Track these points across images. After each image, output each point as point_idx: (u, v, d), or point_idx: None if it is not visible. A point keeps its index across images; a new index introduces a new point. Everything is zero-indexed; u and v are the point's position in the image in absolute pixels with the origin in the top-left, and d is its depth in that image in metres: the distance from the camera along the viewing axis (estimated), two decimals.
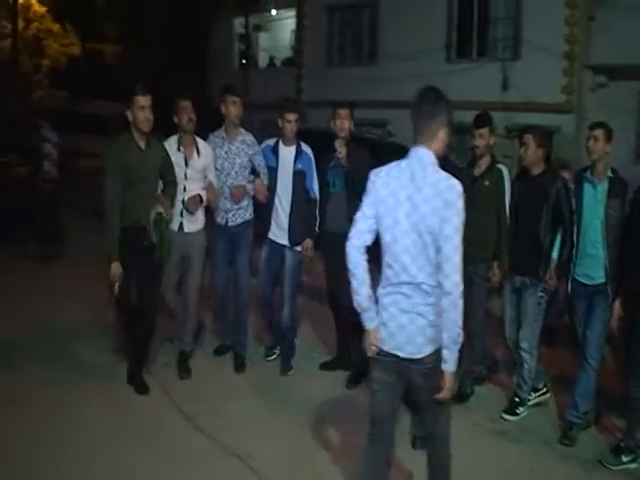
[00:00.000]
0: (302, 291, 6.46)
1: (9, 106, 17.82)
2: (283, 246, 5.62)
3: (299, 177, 5.54)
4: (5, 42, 25.69)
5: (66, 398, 4.94)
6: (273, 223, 5.62)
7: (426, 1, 16.45)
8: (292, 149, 5.57)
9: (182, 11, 21.46)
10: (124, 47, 24.32)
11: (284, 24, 22.32)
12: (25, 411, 4.72)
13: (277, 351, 5.97)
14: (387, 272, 3.10)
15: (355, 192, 5.28)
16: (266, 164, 5.62)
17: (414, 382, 3.13)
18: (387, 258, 3.09)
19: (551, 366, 5.59)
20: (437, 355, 3.03)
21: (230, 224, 5.61)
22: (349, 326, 5.47)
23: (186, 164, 5.34)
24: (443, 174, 3.02)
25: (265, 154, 5.65)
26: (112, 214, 4.76)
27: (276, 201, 5.59)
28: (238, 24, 22.49)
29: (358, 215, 3.18)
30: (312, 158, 5.62)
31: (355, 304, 3.16)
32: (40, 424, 4.55)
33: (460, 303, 2.95)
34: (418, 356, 3.04)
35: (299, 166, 5.55)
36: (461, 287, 2.94)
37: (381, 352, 3.12)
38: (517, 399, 5.07)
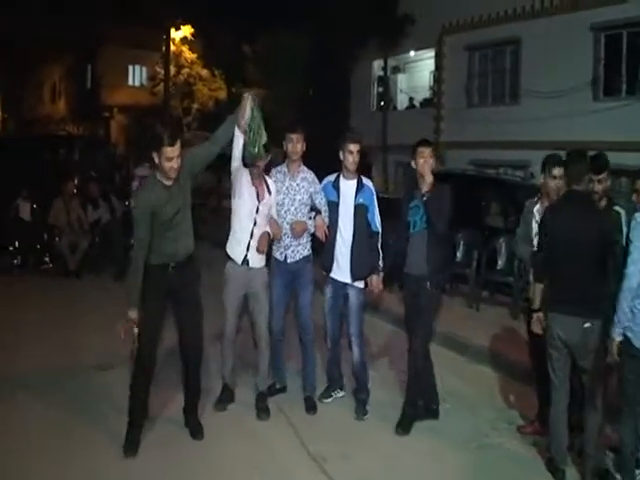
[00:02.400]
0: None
1: None
2: (345, 284, 5.50)
3: (360, 211, 5.46)
4: (158, 87, 27.54)
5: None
6: (335, 261, 5.52)
7: (571, 37, 15.84)
8: (353, 183, 5.51)
9: (323, 55, 22.00)
10: (268, 91, 25.24)
11: (423, 65, 22.34)
12: (163, 440, 4.83)
13: (335, 394, 5.81)
14: None
15: (434, 232, 5.17)
16: (327, 199, 5.55)
17: None
18: None
19: None
20: None
21: (289, 260, 5.54)
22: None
23: (258, 199, 5.29)
24: None
25: (326, 189, 5.59)
26: (138, 262, 4.59)
27: (338, 237, 5.51)
28: (377, 66, 22.77)
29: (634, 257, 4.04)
30: (374, 192, 5.56)
31: (616, 319, 4.11)
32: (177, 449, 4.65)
33: None
34: None
35: (360, 200, 5.46)
36: None
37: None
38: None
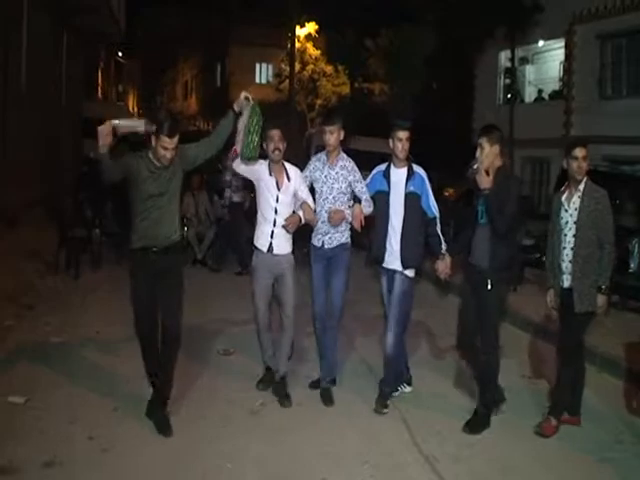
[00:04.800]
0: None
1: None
2: (395, 272, 5.39)
3: (411, 199, 5.34)
4: (284, 84, 28.16)
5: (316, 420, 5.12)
6: (386, 251, 5.42)
7: None
8: (403, 171, 5.39)
9: (447, 48, 21.64)
10: (391, 84, 25.19)
11: (552, 55, 21.42)
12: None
13: (401, 388, 5.73)
14: None
15: (494, 225, 4.92)
16: (378, 189, 5.47)
17: None
18: None
19: None
20: None
21: (326, 246, 5.54)
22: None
23: (278, 188, 5.34)
24: None
25: (376, 179, 5.52)
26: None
27: (389, 227, 5.41)
28: (504, 57, 22.10)
29: None
30: (426, 179, 5.39)
31: None
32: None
33: None
34: None
35: (411, 188, 5.34)
36: None
37: None
38: None
